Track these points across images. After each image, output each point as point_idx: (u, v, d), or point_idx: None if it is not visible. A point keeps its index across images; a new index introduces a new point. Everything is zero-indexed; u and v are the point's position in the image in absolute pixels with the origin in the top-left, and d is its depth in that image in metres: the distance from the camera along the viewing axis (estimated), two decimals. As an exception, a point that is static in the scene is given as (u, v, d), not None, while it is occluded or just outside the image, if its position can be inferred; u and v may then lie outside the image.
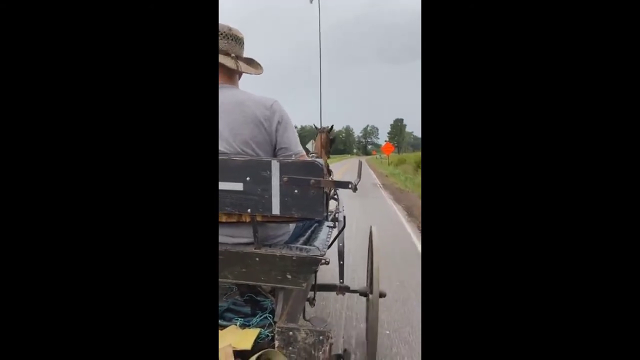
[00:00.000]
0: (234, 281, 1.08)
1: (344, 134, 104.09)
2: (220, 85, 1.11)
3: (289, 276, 1.01)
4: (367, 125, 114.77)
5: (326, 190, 0.95)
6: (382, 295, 1.56)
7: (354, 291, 1.66)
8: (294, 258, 1.00)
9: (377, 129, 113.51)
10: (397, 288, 2.52)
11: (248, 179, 0.95)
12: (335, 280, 1.48)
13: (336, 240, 1.26)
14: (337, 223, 1.41)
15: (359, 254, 2.88)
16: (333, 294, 2.23)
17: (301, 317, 1.33)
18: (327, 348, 0.92)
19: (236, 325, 1.04)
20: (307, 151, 3.09)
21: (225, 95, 1.08)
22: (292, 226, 1.20)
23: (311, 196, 0.94)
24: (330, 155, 3.28)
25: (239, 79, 1.21)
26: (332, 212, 1.55)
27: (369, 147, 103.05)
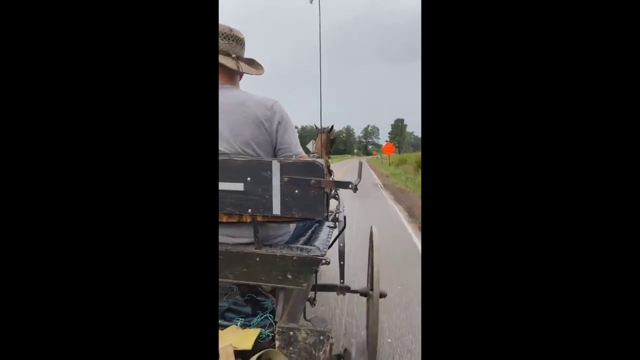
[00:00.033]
0: (235, 281, 1.08)
1: (344, 134, 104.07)
2: (221, 86, 1.11)
3: (290, 276, 1.01)
4: (368, 126, 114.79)
5: (327, 190, 0.96)
6: (382, 295, 1.56)
7: (355, 291, 1.66)
8: (294, 258, 1.00)
9: (378, 129, 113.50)
10: (399, 292, 2.45)
11: (249, 179, 0.95)
12: (336, 281, 1.48)
13: (337, 241, 1.26)
14: (337, 223, 1.41)
15: (360, 255, 2.84)
16: (332, 298, 2.23)
17: (302, 317, 1.33)
18: (328, 348, 0.92)
19: (237, 325, 1.04)
20: (308, 151, 3.09)
21: (226, 95, 1.08)
22: (292, 226, 1.21)
23: (312, 196, 0.94)
24: (331, 156, 3.28)
25: (240, 79, 1.21)
26: (333, 212, 1.55)
27: (370, 147, 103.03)
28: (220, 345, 0.90)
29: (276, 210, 0.96)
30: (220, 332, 1.00)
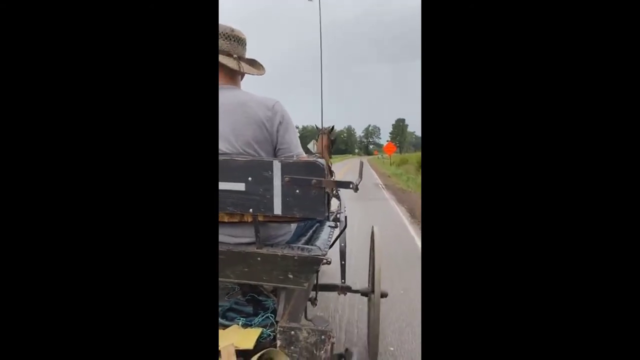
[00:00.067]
0: (236, 281, 1.08)
1: (345, 134, 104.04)
2: (222, 86, 1.11)
3: (291, 276, 1.01)
4: (369, 125, 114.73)
5: (328, 190, 0.96)
6: (383, 295, 1.56)
7: (356, 291, 1.66)
8: (295, 258, 1.00)
9: (379, 129, 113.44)
10: (401, 297, 2.36)
11: (250, 179, 0.95)
12: (338, 281, 1.48)
13: (338, 241, 1.26)
14: (338, 223, 1.41)
15: (361, 256, 2.83)
16: (332, 303, 2.21)
17: (303, 316, 1.34)
18: (329, 347, 0.92)
19: (238, 324, 1.04)
20: (309, 152, 3.09)
21: (228, 96, 1.08)
22: (293, 226, 1.21)
23: (313, 196, 0.94)
24: (332, 156, 3.28)
25: (241, 79, 1.22)
26: (334, 212, 1.55)
27: (371, 147, 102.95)
28: (222, 344, 0.90)
29: (277, 210, 0.96)
30: (221, 331, 1.01)
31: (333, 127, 3.13)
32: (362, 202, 6.46)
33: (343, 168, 16.79)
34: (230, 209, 0.98)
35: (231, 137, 1.05)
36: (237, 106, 1.07)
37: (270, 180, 0.95)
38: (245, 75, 1.20)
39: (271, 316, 1.08)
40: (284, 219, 1.06)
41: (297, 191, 0.94)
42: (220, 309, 1.14)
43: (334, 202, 1.64)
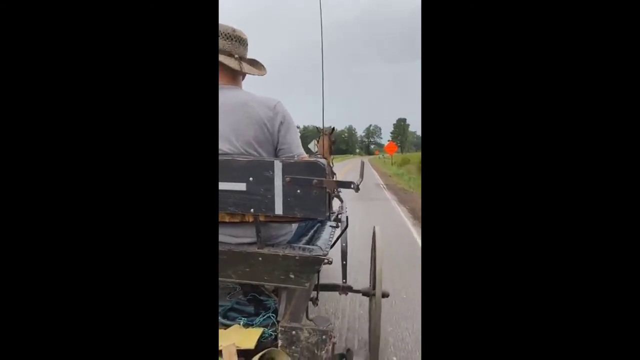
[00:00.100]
0: (238, 281, 1.08)
1: (346, 134, 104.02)
2: (223, 86, 1.12)
3: (292, 276, 1.02)
4: (370, 125, 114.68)
5: (329, 190, 0.96)
6: (385, 295, 1.56)
7: (357, 291, 1.66)
8: (296, 258, 1.00)
9: (380, 129, 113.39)
10: (404, 303, 2.27)
11: (251, 179, 0.95)
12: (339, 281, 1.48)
13: (340, 241, 1.26)
14: (339, 223, 1.41)
15: (361, 256, 2.79)
16: (333, 309, 2.20)
17: (304, 316, 1.34)
18: (330, 347, 0.92)
19: (239, 324, 1.05)
20: (310, 152, 3.09)
21: (229, 96, 1.08)
22: (294, 226, 1.21)
23: (314, 196, 0.94)
24: (333, 156, 3.28)
25: (243, 79, 1.22)
26: (335, 212, 1.55)
27: (372, 146, 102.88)
28: (223, 344, 0.90)
29: (278, 210, 0.96)
30: (223, 331, 1.01)
31: (334, 128, 3.13)
32: (363, 202, 6.44)
33: (344, 168, 16.78)
34: (232, 209, 0.98)
35: (232, 137, 1.05)
36: (239, 106, 1.07)
37: (271, 180, 0.95)
38: (246, 75, 1.21)
39: (272, 316, 1.08)
40: (285, 219, 1.06)
41: (298, 191, 0.94)
42: (221, 308, 1.14)
43: (335, 202, 1.64)
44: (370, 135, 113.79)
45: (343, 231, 1.29)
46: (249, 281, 1.07)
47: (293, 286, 1.05)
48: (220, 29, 1.11)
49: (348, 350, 1.23)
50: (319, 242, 1.17)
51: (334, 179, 0.99)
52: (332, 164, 1.93)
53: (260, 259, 1.02)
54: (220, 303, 1.17)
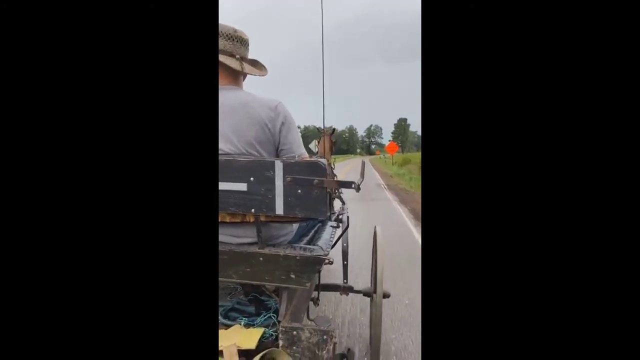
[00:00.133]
0: (239, 281, 1.08)
1: (347, 134, 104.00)
2: (224, 87, 1.12)
3: (293, 276, 1.02)
4: (371, 125, 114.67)
5: (329, 190, 0.96)
6: (386, 295, 1.56)
7: (358, 291, 1.66)
8: (297, 258, 1.00)
9: (381, 129, 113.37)
10: (406, 309, 2.18)
11: (252, 179, 0.95)
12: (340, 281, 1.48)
13: (340, 241, 1.26)
14: (340, 223, 1.41)
15: (362, 257, 2.78)
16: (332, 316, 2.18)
17: (305, 316, 1.34)
18: (331, 347, 0.92)
19: (240, 324, 1.05)
20: (310, 152, 3.09)
21: (230, 96, 1.09)
22: (295, 226, 1.21)
23: (315, 196, 0.94)
24: (333, 156, 3.28)
25: (244, 80, 1.22)
26: (336, 212, 1.55)
27: (373, 147, 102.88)
28: (224, 344, 0.90)
29: (279, 210, 0.96)
30: (224, 331, 1.01)
31: (335, 129, 3.14)
32: (364, 202, 6.42)
33: (345, 168, 16.76)
34: (232, 209, 0.98)
35: (233, 138, 1.05)
36: (240, 106, 1.07)
37: (272, 180, 0.95)
38: (247, 75, 1.21)
39: (273, 316, 1.08)
40: (285, 219, 1.06)
41: (299, 191, 0.94)
42: (222, 309, 1.15)
43: (336, 203, 1.63)
44: (371, 135, 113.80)
45: (344, 231, 1.29)
46: (250, 281, 1.07)
47: (294, 286, 1.05)
48: (221, 29, 1.11)
49: (349, 350, 1.23)
50: (320, 242, 1.17)
51: (335, 179, 0.99)
52: (334, 165, 1.92)
53: (261, 259, 1.02)
54: (221, 303, 1.17)
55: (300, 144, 1.14)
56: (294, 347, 0.93)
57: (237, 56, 1.13)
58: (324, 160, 0.97)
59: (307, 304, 1.40)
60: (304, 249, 1.05)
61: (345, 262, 1.36)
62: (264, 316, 1.09)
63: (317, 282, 1.44)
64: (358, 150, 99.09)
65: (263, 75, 1.21)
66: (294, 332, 0.93)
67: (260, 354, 0.89)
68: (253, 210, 0.97)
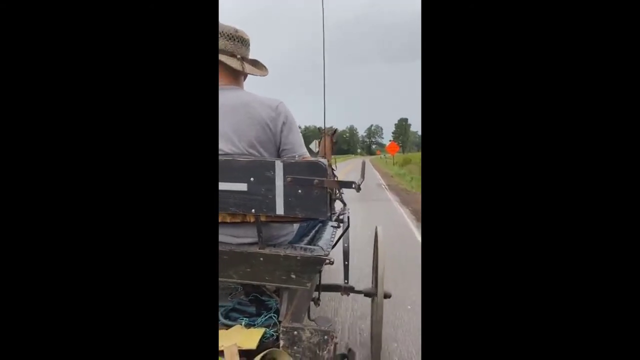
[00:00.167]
0: (239, 281, 1.08)
1: (347, 134, 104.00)
2: (225, 87, 1.12)
3: (294, 276, 1.02)
4: (371, 125, 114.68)
5: (330, 190, 0.96)
6: (387, 296, 1.56)
7: (359, 292, 1.66)
8: (298, 258, 1.00)
9: (382, 129, 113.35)
10: (408, 315, 2.10)
11: (252, 179, 0.95)
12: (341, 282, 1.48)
13: (341, 241, 1.26)
14: (341, 224, 1.41)
15: (362, 257, 2.77)
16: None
17: (306, 316, 1.34)
18: (332, 347, 0.92)
19: (241, 324, 1.05)
20: (311, 152, 3.09)
21: (231, 96, 1.09)
22: (296, 226, 1.21)
23: (315, 196, 0.94)
24: (334, 156, 3.28)
25: (244, 80, 1.22)
26: (337, 212, 1.55)
27: (374, 147, 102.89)
28: (225, 344, 0.90)
29: (279, 210, 0.96)
30: (224, 331, 1.01)
31: (336, 129, 3.13)
32: (364, 202, 6.40)
33: (345, 168, 16.73)
34: (233, 209, 0.98)
35: (234, 138, 1.05)
36: (240, 107, 1.07)
37: (272, 181, 0.95)
38: (248, 75, 1.21)
39: (274, 316, 1.08)
40: (286, 219, 1.06)
41: (300, 191, 0.94)
42: (223, 309, 1.15)
43: (337, 203, 1.63)
44: (371, 135, 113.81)
45: (345, 231, 1.29)
46: (251, 281, 1.07)
47: (294, 286, 1.05)
48: (222, 29, 1.12)
49: (349, 350, 1.23)
50: (321, 242, 1.17)
51: (335, 179, 0.99)
52: (335, 166, 1.92)
53: (261, 259, 1.02)
54: (222, 303, 1.17)
55: (302, 143, 1.14)
56: (295, 347, 0.93)
57: (238, 56, 1.13)
58: (324, 160, 0.97)
59: (308, 304, 1.40)
60: (305, 249, 1.05)
61: (346, 263, 1.35)
62: (265, 316, 1.09)
63: (318, 283, 1.44)
64: (359, 151, 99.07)
65: (264, 75, 1.21)
66: (295, 332, 0.93)
67: (261, 354, 0.89)
68: (253, 210, 0.97)
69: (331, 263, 1.02)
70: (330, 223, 1.43)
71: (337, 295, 1.93)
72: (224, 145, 1.04)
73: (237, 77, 1.16)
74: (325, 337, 0.92)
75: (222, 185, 0.95)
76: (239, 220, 1.04)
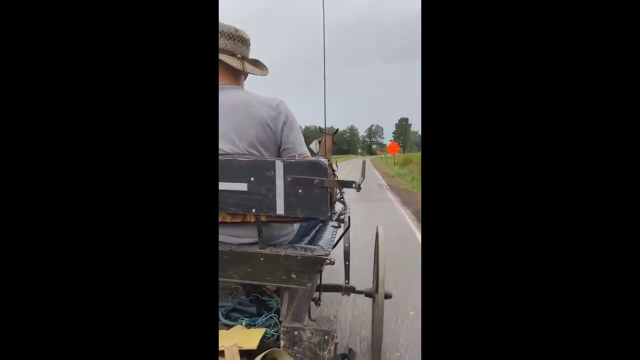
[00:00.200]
0: (240, 281, 1.08)
1: (348, 134, 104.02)
2: (226, 86, 1.12)
3: (294, 276, 1.01)
4: (372, 125, 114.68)
5: (330, 190, 0.96)
6: (387, 296, 1.56)
7: (360, 292, 1.66)
8: (298, 258, 1.00)
9: (382, 129, 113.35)
10: (409, 320, 2.03)
11: (252, 179, 0.95)
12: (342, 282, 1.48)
13: (342, 241, 1.26)
14: (341, 223, 1.41)
15: (363, 257, 2.77)
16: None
17: (306, 316, 1.34)
18: (332, 347, 0.92)
19: (242, 324, 1.05)
20: (311, 151, 3.09)
21: (231, 96, 1.08)
22: (296, 226, 1.21)
23: (315, 196, 0.94)
24: (334, 156, 3.28)
25: (245, 79, 1.22)
26: (337, 212, 1.55)
27: (374, 146, 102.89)
28: (226, 344, 0.90)
29: (280, 210, 0.96)
30: (225, 331, 1.01)
31: (337, 129, 3.13)
32: (365, 203, 6.39)
33: (346, 168, 16.70)
34: (233, 209, 0.98)
35: (235, 138, 1.05)
36: (241, 106, 1.07)
37: (272, 180, 0.95)
38: (248, 75, 1.21)
39: (274, 316, 1.08)
40: (286, 219, 1.06)
41: (300, 191, 0.94)
42: (223, 309, 1.15)
43: (338, 203, 1.63)
44: (372, 135, 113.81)
45: (345, 231, 1.29)
46: (251, 281, 1.07)
47: (295, 286, 1.05)
48: (223, 28, 1.11)
49: (350, 350, 1.23)
50: (321, 242, 1.17)
51: (336, 179, 0.99)
52: (336, 166, 1.91)
53: (262, 259, 1.02)
54: (222, 304, 1.17)
55: (302, 143, 1.14)
56: (296, 347, 0.93)
57: (239, 55, 1.13)
58: (324, 160, 0.97)
59: (309, 304, 1.40)
60: (305, 249, 1.05)
61: (347, 263, 1.35)
62: (266, 316, 1.09)
63: (319, 283, 1.44)
64: (359, 150, 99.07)
65: (264, 75, 1.21)
66: (296, 332, 0.93)
67: (262, 354, 0.89)
68: (254, 210, 0.97)
69: (332, 263, 1.02)
70: (331, 223, 1.43)
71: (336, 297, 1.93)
72: (224, 145, 1.03)
73: (238, 76, 1.16)
74: (326, 337, 0.92)
75: (223, 185, 0.95)
76: (239, 220, 1.04)
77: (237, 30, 1.13)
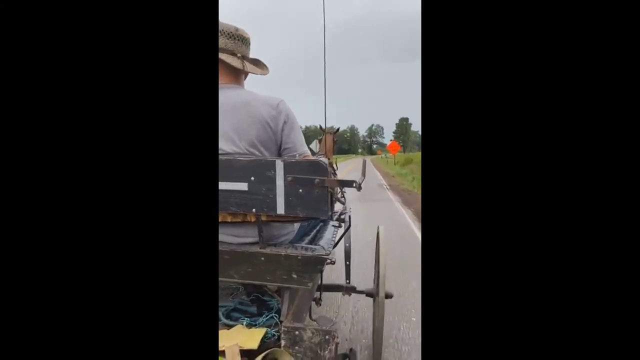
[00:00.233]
0: (240, 281, 1.08)
1: (348, 134, 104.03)
2: (226, 85, 1.11)
3: (295, 276, 1.01)
4: (372, 125, 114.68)
5: (331, 189, 0.96)
6: (388, 296, 1.56)
7: (360, 292, 1.66)
8: (299, 257, 1.00)
9: (382, 128, 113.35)
10: (410, 326, 1.98)
11: (253, 178, 0.95)
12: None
13: (343, 241, 1.26)
14: (342, 223, 1.41)
15: (363, 258, 2.75)
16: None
17: (307, 316, 1.34)
18: (333, 347, 0.92)
19: (243, 324, 1.05)
20: (312, 151, 3.09)
21: (231, 95, 1.08)
22: (296, 225, 1.21)
23: (316, 195, 0.94)
24: (335, 155, 3.27)
25: (245, 79, 1.22)
26: (338, 212, 1.55)
27: (374, 146, 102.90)
28: (226, 344, 0.90)
29: (280, 209, 0.96)
30: (226, 331, 1.01)
31: (338, 129, 3.13)
32: (365, 203, 6.38)
33: (346, 168, 16.69)
34: (233, 208, 0.98)
35: (235, 137, 1.04)
36: (241, 105, 1.07)
37: (273, 180, 0.95)
38: (248, 75, 1.21)
39: (275, 316, 1.08)
40: (287, 219, 1.06)
41: (300, 190, 0.94)
42: (224, 309, 1.14)
43: (338, 203, 1.62)
44: (372, 135, 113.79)
45: (346, 231, 1.29)
46: (252, 281, 1.07)
47: (296, 286, 1.04)
48: (223, 28, 1.11)
49: (351, 350, 1.22)
50: (322, 242, 1.17)
51: (336, 178, 0.99)
52: (337, 166, 1.91)
53: (262, 258, 1.02)
54: (223, 303, 1.17)
55: (303, 142, 1.14)
56: (296, 347, 0.93)
57: (239, 55, 1.13)
58: (325, 159, 0.97)
59: (309, 304, 1.40)
60: (306, 249, 1.05)
61: (347, 263, 1.35)
62: (266, 316, 1.08)
63: (320, 282, 1.44)
64: (359, 150, 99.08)
65: (264, 74, 1.21)
66: (296, 332, 0.93)
67: (263, 354, 0.89)
68: (254, 209, 0.97)
69: (332, 263, 1.02)
70: (332, 223, 1.42)
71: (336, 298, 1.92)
72: (225, 145, 1.03)
73: (238, 75, 1.16)
74: (327, 337, 0.92)
75: (223, 185, 0.95)
76: (239, 220, 1.04)
77: (237, 30, 1.13)
